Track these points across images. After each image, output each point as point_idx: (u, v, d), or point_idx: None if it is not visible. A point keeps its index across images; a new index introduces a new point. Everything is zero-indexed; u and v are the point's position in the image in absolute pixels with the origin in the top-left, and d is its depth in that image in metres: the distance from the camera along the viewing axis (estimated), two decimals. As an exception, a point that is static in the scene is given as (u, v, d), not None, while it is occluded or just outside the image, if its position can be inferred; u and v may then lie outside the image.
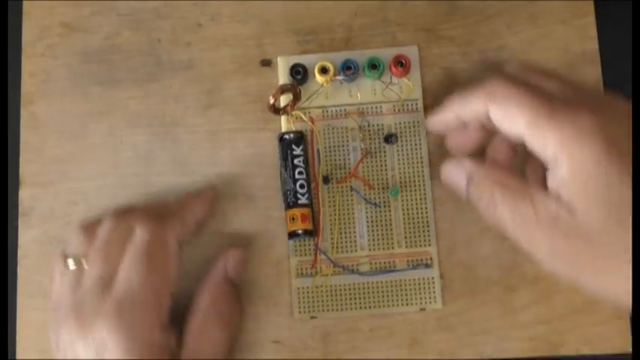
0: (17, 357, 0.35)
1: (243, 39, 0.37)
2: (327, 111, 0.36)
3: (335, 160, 0.36)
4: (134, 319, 0.30)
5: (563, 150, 0.27)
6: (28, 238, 0.36)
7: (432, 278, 0.35)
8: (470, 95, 0.30)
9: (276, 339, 0.35)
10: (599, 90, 0.30)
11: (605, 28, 0.37)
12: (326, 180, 0.36)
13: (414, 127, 0.36)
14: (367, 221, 0.35)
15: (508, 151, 0.32)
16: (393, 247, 0.35)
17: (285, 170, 0.35)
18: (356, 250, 0.35)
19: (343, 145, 0.36)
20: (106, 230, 0.32)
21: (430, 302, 0.35)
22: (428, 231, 0.35)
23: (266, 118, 0.36)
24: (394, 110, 0.36)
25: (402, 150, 0.36)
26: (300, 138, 0.35)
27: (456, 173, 0.31)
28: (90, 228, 0.33)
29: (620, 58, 0.36)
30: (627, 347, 0.34)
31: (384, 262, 0.35)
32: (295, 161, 0.35)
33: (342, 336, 0.35)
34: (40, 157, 0.37)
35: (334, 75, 0.36)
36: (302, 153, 0.35)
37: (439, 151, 0.36)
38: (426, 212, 0.35)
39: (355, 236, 0.35)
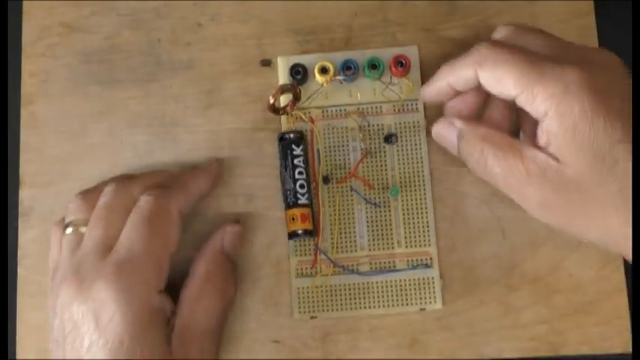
0: (17, 357, 0.35)
1: (243, 39, 0.37)
2: (327, 111, 0.36)
3: (335, 160, 0.36)
4: (133, 280, 0.30)
5: (552, 105, 0.28)
6: (28, 238, 0.36)
7: (432, 278, 0.35)
8: (459, 63, 0.31)
9: (276, 339, 0.35)
10: (586, 45, 0.31)
11: (605, 28, 0.37)
12: (326, 180, 0.36)
13: (414, 127, 0.36)
14: (367, 221, 0.35)
15: (503, 110, 0.32)
16: (392, 247, 0.35)
17: (285, 170, 0.35)
18: (356, 250, 0.35)
19: (343, 145, 0.36)
20: (108, 197, 0.33)
21: (430, 302, 0.35)
22: (428, 231, 0.35)
23: (266, 118, 0.36)
24: (394, 110, 0.36)
25: (402, 150, 0.36)
26: (300, 138, 0.35)
27: (447, 131, 0.32)
28: (89, 195, 0.33)
29: (620, 58, 0.36)
30: (627, 347, 0.34)
31: (384, 262, 0.35)
32: (295, 161, 0.35)
33: (342, 336, 0.35)
34: (40, 157, 0.37)
35: (334, 75, 0.36)
36: (302, 153, 0.35)
37: (439, 151, 0.36)
38: (426, 212, 0.35)
39: (355, 236, 0.35)
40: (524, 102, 0.29)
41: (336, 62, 0.36)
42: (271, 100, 0.34)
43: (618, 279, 0.35)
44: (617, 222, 0.28)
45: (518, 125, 0.33)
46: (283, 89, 0.35)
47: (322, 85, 0.36)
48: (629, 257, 0.29)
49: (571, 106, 0.28)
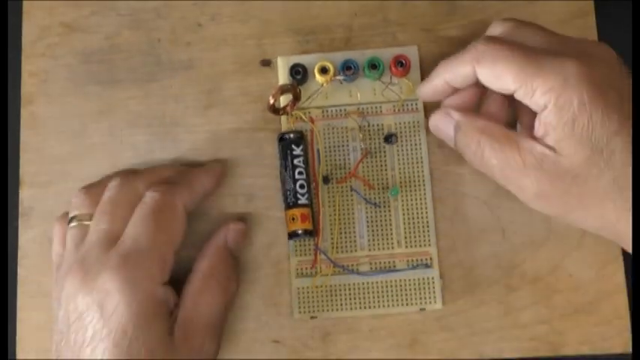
0: (17, 357, 0.35)
1: (243, 39, 0.37)
2: (327, 111, 0.36)
3: (335, 160, 0.36)
4: (138, 272, 0.30)
5: (551, 98, 0.28)
6: (28, 238, 0.36)
7: (432, 278, 0.35)
8: (456, 60, 0.31)
9: (276, 339, 0.35)
10: (583, 39, 0.31)
11: (605, 28, 0.37)
12: (326, 180, 0.36)
13: (414, 127, 0.36)
14: (367, 221, 0.35)
15: (500, 103, 0.32)
16: (392, 247, 0.35)
17: (285, 170, 0.35)
18: (356, 250, 0.35)
19: (343, 145, 0.36)
20: (112, 191, 0.33)
21: (430, 302, 0.35)
22: (428, 231, 0.35)
23: (266, 118, 0.36)
24: (394, 110, 0.36)
25: (402, 150, 0.36)
26: (300, 138, 0.35)
27: (444, 122, 0.32)
28: (93, 190, 0.34)
29: (620, 57, 0.36)
30: (627, 347, 0.34)
31: (384, 262, 0.35)
32: (295, 161, 0.35)
33: (342, 336, 0.35)
34: (40, 157, 0.37)
35: (334, 75, 0.36)
36: (302, 153, 0.35)
37: (439, 151, 0.36)
38: (426, 212, 0.35)
39: (355, 236, 0.35)
40: (524, 96, 0.29)
41: (336, 62, 0.36)
42: (271, 100, 0.34)
43: (618, 279, 0.35)
44: (614, 213, 0.29)
45: (515, 117, 0.33)
46: (283, 89, 0.35)
47: (322, 85, 0.36)
48: (628, 247, 0.29)
49: (570, 98, 0.28)
